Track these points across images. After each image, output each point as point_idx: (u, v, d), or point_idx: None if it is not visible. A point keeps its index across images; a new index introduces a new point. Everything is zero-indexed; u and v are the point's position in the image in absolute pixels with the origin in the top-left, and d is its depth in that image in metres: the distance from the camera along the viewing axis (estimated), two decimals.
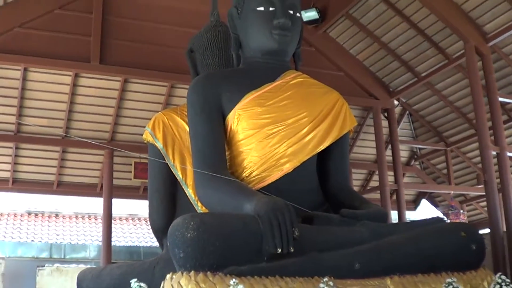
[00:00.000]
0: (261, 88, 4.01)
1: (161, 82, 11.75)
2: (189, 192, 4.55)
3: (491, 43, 10.87)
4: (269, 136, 3.85)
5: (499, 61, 11.77)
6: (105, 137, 12.44)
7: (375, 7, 11.86)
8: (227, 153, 3.99)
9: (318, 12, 12.11)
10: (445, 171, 15.22)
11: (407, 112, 14.45)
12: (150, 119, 5.10)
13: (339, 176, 4.16)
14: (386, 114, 13.39)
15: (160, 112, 5.19)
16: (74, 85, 11.47)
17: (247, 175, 3.85)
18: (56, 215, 20.94)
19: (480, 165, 14.05)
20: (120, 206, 18.08)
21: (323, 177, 4.11)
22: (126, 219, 21.29)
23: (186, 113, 4.60)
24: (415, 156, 15.45)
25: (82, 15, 10.95)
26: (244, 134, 3.92)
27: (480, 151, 10.39)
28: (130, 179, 12.83)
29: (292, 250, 3.05)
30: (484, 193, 10.36)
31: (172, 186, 4.86)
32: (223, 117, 4.02)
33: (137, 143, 11.20)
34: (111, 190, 12.32)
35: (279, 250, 3.04)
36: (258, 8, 4.07)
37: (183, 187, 4.67)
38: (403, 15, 11.65)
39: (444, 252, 3.28)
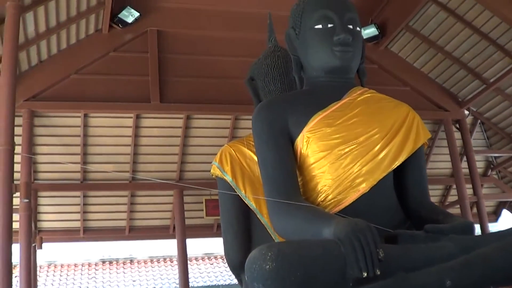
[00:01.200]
0: (328, 107, 3.71)
1: (224, 115, 11.63)
2: (265, 221, 4.35)
3: None
4: (341, 156, 3.57)
5: None
6: (173, 177, 12.25)
7: (435, 16, 11.53)
8: (299, 178, 3.70)
9: (377, 28, 11.93)
10: None
11: (479, 121, 13.97)
12: (216, 154, 4.91)
13: (418, 191, 3.85)
14: (457, 125, 13.04)
15: (226, 145, 4.98)
16: (137, 126, 11.37)
17: (322, 199, 3.56)
18: (131, 261, 20.91)
19: None
20: (195, 246, 18.03)
21: (401, 194, 3.80)
22: (202, 258, 21.06)
23: (253, 143, 4.26)
24: (491, 166, 14.90)
25: (137, 55, 10.93)
26: (315, 157, 3.63)
27: None
28: (202, 217, 12.60)
29: (378, 273, 2.77)
30: None
31: (245, 220, 4.65)
32: (292, 142, 3.73)
33: (206, 180, 10.50)
34: (184, 230, 12.14)
35: (365, 274, 2.75)
36: (316, 26, 3.78)
37: (258, 216, 4.46)
38: (465, 21, 11.29)
39: None
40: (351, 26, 3.78)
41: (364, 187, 3.49)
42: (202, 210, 12.46)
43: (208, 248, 20.89)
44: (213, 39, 11.31)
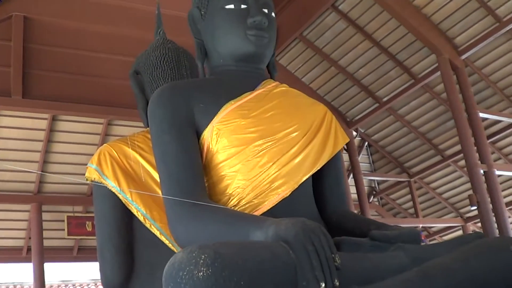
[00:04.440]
0: (241, 97, 3.27)
1: (96, 118, 10.78)
2: (159, 226, 3.60)
3: (464, 56, 10.44)
4: (258, 154, 3.12)
5: (472, 75, 11.33)
6: (31, 189, 11.29)
7: (332, 26, 11.12)
8: (204, 179, 3.18)
9: None
10: (405, 205, 14.93)
11: (366, 143, 13.91)
12: (84, 164, 4.18)
13: (337, 200, 3.43)
14: (345, 147, 12.58)
15: (105, 144, 4.27)
16: None
17: (235, 203, 3.08)
18: None
19: (444, 195, 14.34)
20: (50, 271, 17.16)
21: (318, 204, 3.35)
22: (59, 286, 19.95)
23: (138, 143, 3.80)
24: (374, 192, 14.98)
25: None
26: (226, 153, 3.16)
27: (468, 171, 10.03)
28: (62, 238, 11.69)
29: (337, 284, 2.33)
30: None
31: (128, 234, 3.89)
32: (197, 135, 3.23)
33: (70, 194, 10.57)
34: (42, 253, 11.09)
35: (323, 285, 2.28)
36: (227, 6, 3.36)
37: (150, 222, 3.64)
38: (365, 32, 10.96)
39: (497, 269, 2.60)
40: (266, 10, 3.35)
41: (284, 190, 3.06)
42: (63, 229, 11.51)
43: (66, 275, 20.07)
44: (88, 32, 10.37)
